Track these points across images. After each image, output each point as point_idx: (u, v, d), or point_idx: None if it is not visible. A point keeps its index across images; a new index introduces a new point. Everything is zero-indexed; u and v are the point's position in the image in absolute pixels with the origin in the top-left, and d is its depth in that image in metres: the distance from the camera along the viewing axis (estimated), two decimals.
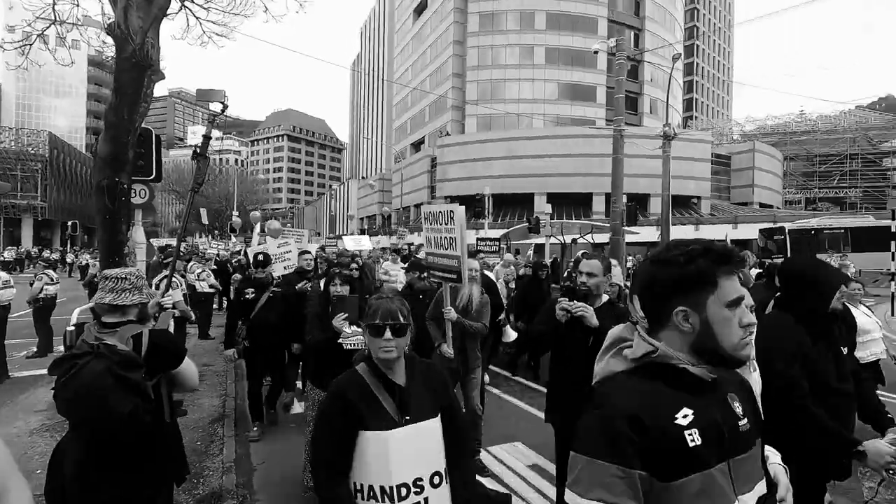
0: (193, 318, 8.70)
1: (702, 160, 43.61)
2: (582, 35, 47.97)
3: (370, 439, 1.65)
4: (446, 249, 4.06)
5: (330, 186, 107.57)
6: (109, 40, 8.79)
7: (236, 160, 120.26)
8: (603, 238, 17.89)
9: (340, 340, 3.33)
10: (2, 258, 28.07)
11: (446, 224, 4.05)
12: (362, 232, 40.55)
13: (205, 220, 22.56)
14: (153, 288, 3.59)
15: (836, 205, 55.10)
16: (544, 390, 6.17)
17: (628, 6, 51.77)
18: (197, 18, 8.93)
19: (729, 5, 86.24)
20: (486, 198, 21.58)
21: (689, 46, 72.21)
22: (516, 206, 44.07)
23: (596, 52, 14.68)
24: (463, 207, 4.00)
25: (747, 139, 57.23)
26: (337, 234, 55.08)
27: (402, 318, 1.76)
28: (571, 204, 40.92)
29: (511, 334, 7.10)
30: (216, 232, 38.55)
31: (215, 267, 12.70)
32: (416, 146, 61.81)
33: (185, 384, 2.35)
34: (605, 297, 3.01)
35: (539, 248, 17.33)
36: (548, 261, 11.95)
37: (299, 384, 6.23)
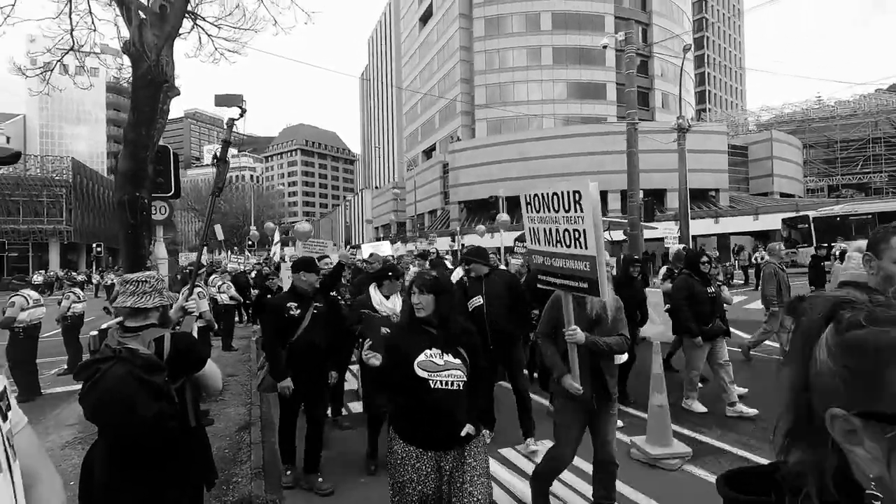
0: (216, 328, 8.82)
1: (718, 152, 42.85)
2: (589, 33, 47.72)
3: None
4: (568, 247, 2.88)
5: (344, 197, 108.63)
6: (126, 62, 9.00)
7: (252, 177, 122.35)
8: (620, 235, 17.65)
9: (425, 376, 2.35)
10: (31, 281, 28.87)
11: (566, 210, 2.84)
12: (378, 240, 40.74)
13: (220, 236, 22.96)
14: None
15: (861, 191, 53.59)
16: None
17: (635, 2, 51.39)
18: (209, 36, 9.14)
19: None
20: (501, 200, 21.51)
21: (698, 38, 71.30)
22: None
23: (604, 47, 14.46)
24: (595, 184, 2.81)
25: (764, 129, 56.13)
26: (354, 243, 55.45)
27: None
28: None
29: (621, 357, 5.00)
30: (235, 248, 39.17)
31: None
32: (428, 153, 62.07)
33: (208, 387, 2.36)
34: None
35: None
36: None
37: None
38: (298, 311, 3.96)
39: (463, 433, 2.35)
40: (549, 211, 2.99)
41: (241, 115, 3.98)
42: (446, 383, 2.35)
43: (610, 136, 41.95)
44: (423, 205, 53.11)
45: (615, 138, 40.83)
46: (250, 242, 27.71)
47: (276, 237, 12.00)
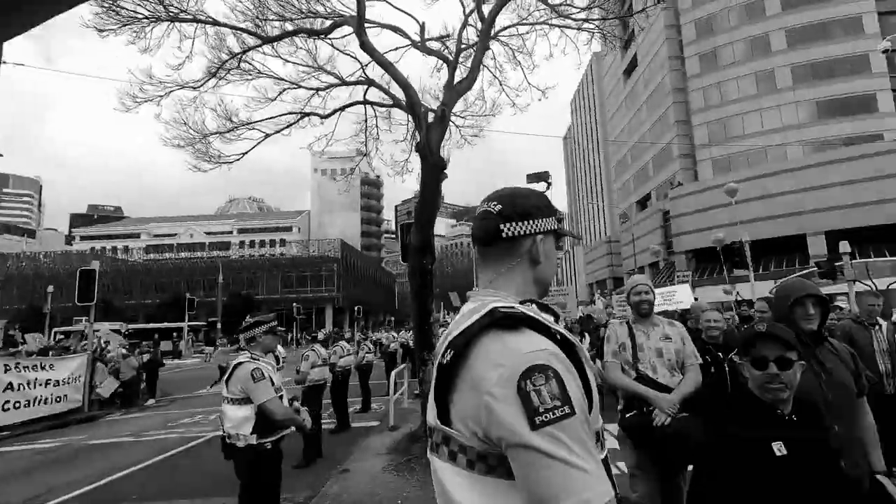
0: None
1: None
2: (840, 40, 40.13)
3: None
4: None
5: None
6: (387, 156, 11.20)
7: (468, 244, 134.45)
8: None
9: None
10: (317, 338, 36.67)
11: None
12: (593, 299, 39.37)
13: (456, 303, 25.99)
14: None
15: None
16: None
17: None
18: (457, 126, 10.83)
19: None
20: (745, 245, 18.79)
21: None
22: (781, 251, 36.97)
23: (885, 52, 11.86)
24: None
25: None
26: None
27: None
28: (865, 241, 32.25)
29: None
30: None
31: None
32: (643, 203, 58.77)
33: None
34: None
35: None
36: (851, 312, 9.43)
37: None
38: None
39: None
40: None
41: (548, 188, 4.55)
42: None
43: (890, 155, 33.49)
44: (643, 257, 49.78)
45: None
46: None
47: None
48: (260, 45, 8.22)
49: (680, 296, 15.80)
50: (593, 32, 8.75)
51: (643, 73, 57.11)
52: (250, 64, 8.98)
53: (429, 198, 6.69)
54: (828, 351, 2.35)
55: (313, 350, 7.65)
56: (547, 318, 0.95)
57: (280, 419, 3.17)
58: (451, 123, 10.74)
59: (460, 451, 0.89)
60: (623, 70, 63.53)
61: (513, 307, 0.93)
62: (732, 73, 45.83)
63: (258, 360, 3.26)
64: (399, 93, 7.87)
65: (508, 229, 1.05)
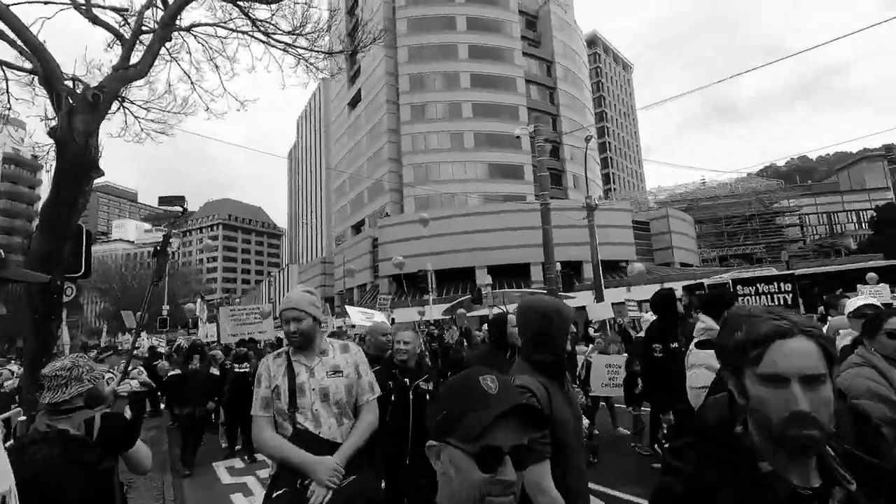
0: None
1: (624, 227, 47.32)
2: (507, 121, 52.55)
3: None
4: None
5: (269, 273, 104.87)
6: (32, 139, 8.75)
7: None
8: None
9: None
10: None
11: None
12: None
13: (130, 324, 21.46)
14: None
15: (746, 260, 60.85)
16: None
17: (544, 96, 57.88)
18: (136, 117, 9.21)
19: (630, 93, 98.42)
20: (429, 273, 22.03)
21: (600, 128, 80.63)
22: (459, 280, 44.92)
23: (518, 137, 16.01)
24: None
25: (662, 206, 63.15)
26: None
27: None
28: (511, 274, 42.48)
29: None
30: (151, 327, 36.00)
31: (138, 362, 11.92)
32: (357, 228, 62.62)
33: (139, 465, 2.37)
34: None
35: (484, 320, 17.57)
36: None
37: None
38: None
39: None
40: None
41: (183, 214, 4.09)
42: None
43: (530, 212, 45.14)
44: (351, 280, 52.68)
45: (534, 215, 43.84)
46: (162, 322, 25.74)
47: (205, 315, 11.54)
48: None
49: (377, 318, 17.17)
50: (299, 59, 8.87)
51: (365, 109, 61.78)
52: None
53: (66, 196, 5.36)
54: None
55: None
56: None
57: None
58: (129, 113, 9.05)
59: None
60: (348, 102, 67.26)
61: None
62: (434, 128, 54.31)
63: None
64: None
65: None
